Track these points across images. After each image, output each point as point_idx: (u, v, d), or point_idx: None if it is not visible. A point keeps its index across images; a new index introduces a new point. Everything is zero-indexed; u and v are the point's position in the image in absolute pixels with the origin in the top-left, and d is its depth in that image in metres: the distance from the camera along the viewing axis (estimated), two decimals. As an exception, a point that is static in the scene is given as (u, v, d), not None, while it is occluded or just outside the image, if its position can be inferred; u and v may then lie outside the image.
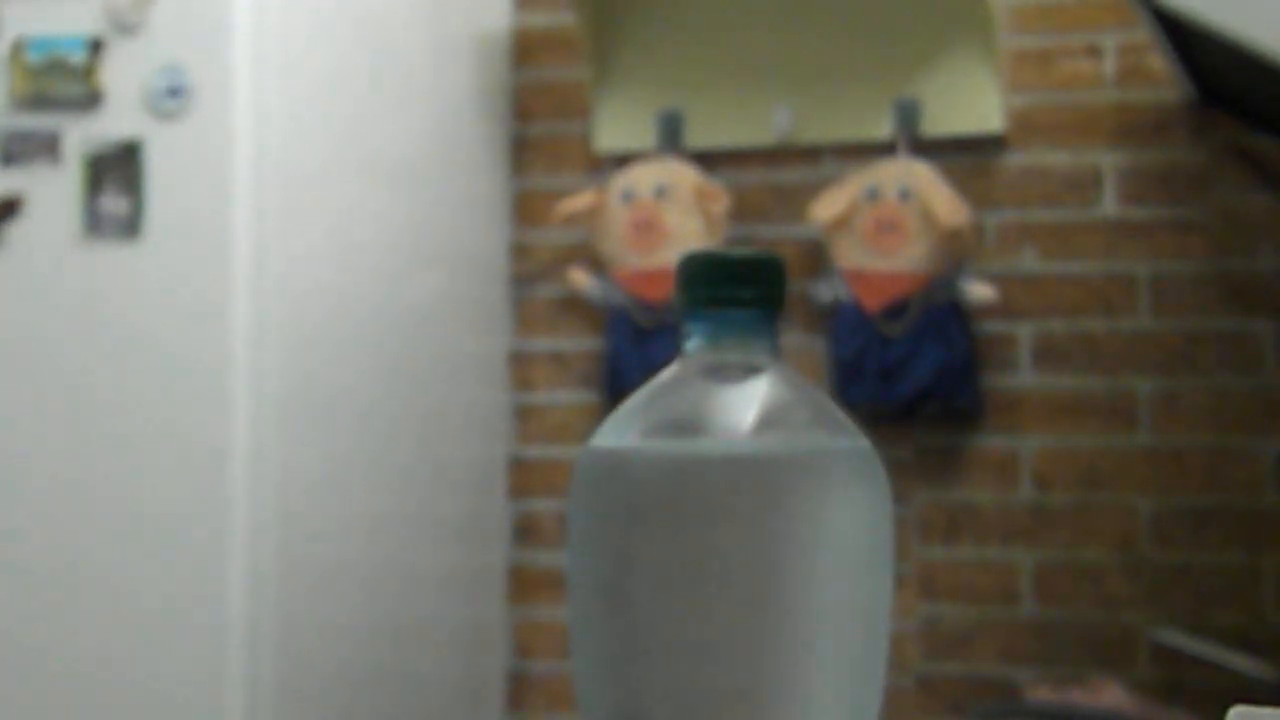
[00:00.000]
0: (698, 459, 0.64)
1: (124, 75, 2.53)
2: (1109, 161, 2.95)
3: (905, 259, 2.89)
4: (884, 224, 2.90)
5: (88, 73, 2.54)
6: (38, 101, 2.55)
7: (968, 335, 2.92)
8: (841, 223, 2.94)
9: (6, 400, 2.55)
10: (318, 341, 2.63)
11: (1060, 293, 2.96)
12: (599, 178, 3.18)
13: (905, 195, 2.89)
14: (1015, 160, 2.99)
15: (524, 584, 3.20)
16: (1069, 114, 2.97)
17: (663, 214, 3.02)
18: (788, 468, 0.64)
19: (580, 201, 3.05)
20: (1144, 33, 2.95)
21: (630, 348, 3.06)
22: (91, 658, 2.50)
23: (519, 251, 3.23)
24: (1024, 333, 2.97)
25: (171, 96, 2.50)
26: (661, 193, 3.02)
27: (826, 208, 2.93)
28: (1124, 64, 2.95)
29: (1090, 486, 2.93)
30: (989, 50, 2.94)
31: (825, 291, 2.97)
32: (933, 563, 2.99)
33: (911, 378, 2.91)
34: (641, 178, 3.04)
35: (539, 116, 3.23)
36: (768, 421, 0.65)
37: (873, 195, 2.91)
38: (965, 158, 3.01)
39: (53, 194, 2.55)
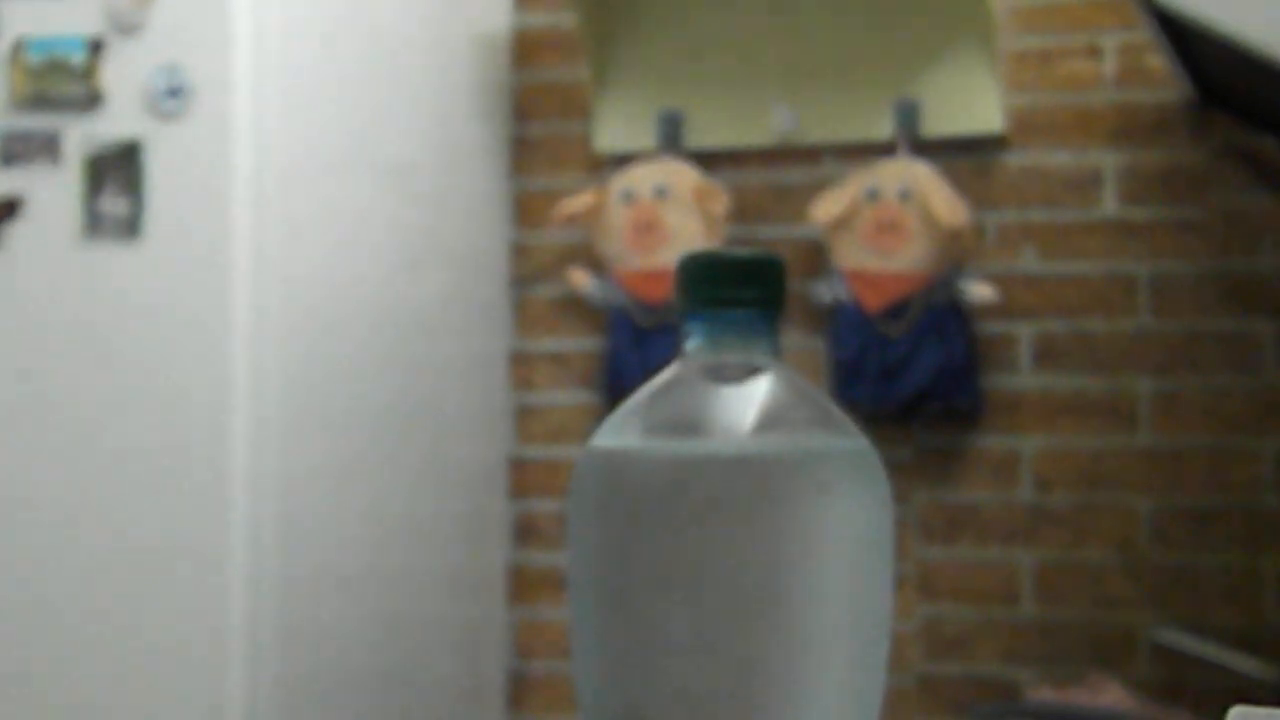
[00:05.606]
0: (698, 459, 0.64)
1: (124, 75, 2.53)
2: (1109, 161, 2.95)
3: (905, 259, 2.89)
4: (884, 224, 2.90)
5: (88, 73, 2.53)
6: (38, 101, 2.55)
7: (968, 335, 2.92)
8: (841, 223, 2.94)
9: (6, 400, 2.55)
10: (318, 342, 2.63)
11: (1060, 293, 2.96)
12: (599, 178, 3.18)
13: (905, 195, 2.89)
14: (1015, 160, 2.99)
15: (524, 584, 3.20)
16: (1069, 114, 2.97)
17: (663, 214, 3.02)
18: (788, 468, 0.64)
19: (580, 202, 3.05)
20: (1144, 33, 2.95)
21: (630, 348, 3.06)
22: (91, 656, 2.49)
23: (519, 252, 3.23)
24: (1024, 333, 2.97)
25: (171, 96, 2.50)
26: (661, 193, 3.02)
27: (826, 208, 2.93)
28: (1124, 64, 2.95)
29: (1090, 486, 2.93)
30: (989, 50, 2.94)
31: (825, 291, 2.97)
32: (933, 563, 2.99)
33: (911, 378, 2.90)
34: (641, 178, 3.03)
35: (539, 116, 3.23)
36: (768, 421, 0.65)
37: (873, 195, 2.91)
38: (965, 158, 3.01)
39: (53, 194, 2.55)
